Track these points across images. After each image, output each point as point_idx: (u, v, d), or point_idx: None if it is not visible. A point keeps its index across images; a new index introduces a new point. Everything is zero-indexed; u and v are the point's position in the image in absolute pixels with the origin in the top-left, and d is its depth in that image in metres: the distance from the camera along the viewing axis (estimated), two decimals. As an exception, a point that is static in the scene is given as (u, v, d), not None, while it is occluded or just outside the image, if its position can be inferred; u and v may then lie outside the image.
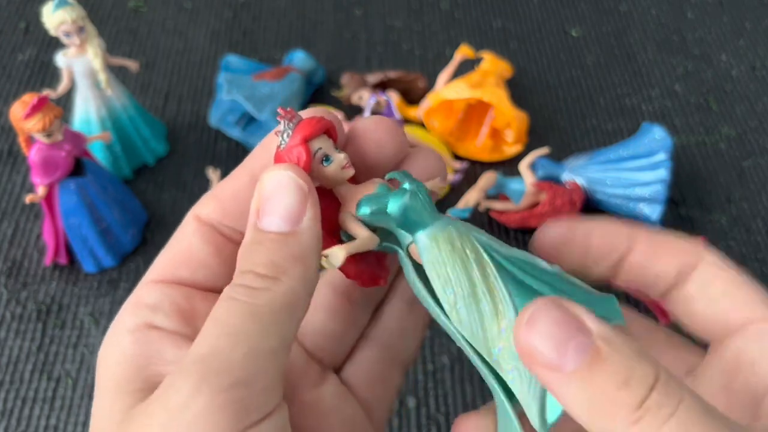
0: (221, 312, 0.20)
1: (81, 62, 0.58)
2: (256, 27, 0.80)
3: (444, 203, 0.62)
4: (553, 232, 0.25)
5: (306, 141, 0.23)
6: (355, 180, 0.24)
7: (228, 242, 0.23)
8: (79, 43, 0.57)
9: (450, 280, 0.22)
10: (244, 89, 0.65)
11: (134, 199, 0.61)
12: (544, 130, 0.70)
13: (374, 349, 0.27)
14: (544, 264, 0.23)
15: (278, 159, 0.23)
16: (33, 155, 0.52)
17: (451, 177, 0.65)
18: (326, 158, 0.23)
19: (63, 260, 0.58)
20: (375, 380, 0.26)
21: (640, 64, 0.77)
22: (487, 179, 0.61)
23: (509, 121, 0.65)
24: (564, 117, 0.71)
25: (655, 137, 0.61)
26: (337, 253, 0.22)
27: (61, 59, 0.58)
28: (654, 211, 0.59)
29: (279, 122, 0.23)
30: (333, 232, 0.24)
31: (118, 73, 0.64)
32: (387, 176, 0.24)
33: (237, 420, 0.18)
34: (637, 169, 0.60)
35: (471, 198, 0.61)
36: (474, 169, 0.66)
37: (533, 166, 0.62)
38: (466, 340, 0.22)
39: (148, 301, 0.22)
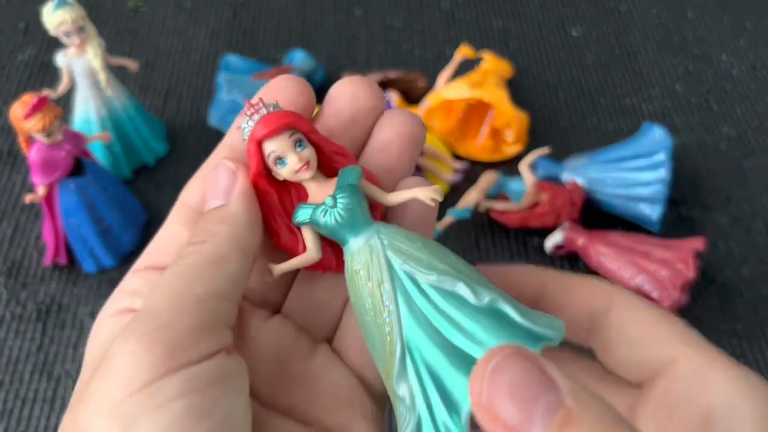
0: (159, 279, 0.22)
1: (81, 62, 0.58)
2: (255, 27, 0.80)
3: (444, 203, 0.62)
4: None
5: (259, 143, 0.23)
6: (335, 140, 0.24)
7: None
8: (78, 42, 0.57)
9: (357, 300, 0.23)
10: (244, 89, 0.65)
11: (134, 199, 0.61)
12: (544, 130, 0.70)
13: None
14: (467, 295, 0.21)
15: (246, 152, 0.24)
16: (33, 155, 0.52)
17: (451, 177, 0.65)
18: (280, 161, 0.23)
19: (63, 260, 0.58)
20: (364, 346, 0.25)
21: (640, 64, 0.77)
22: (487, 179, 0.61)
23: (509, 121, 0.65)
24: (564, 117, 0.71)
25: (656, 137, 0.61)
26: (272, 270, 0.24)
27: (60, 59, 0.58)
28: (654, 211, 0.59)
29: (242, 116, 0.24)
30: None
31: (117, 72, 0.63)
32: (339, 172, 0.24)
33: (163, 358, 0.19)
34: (638, 168, 0.60)
35: (471, 198, 0.61)
36: (474, 169, 0.66)
37: (533, 166, 0.62)
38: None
39: (129, 288, 0.23)
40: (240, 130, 0.24)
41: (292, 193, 0.25)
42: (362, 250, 0.23)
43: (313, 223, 0.24)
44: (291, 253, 0.24)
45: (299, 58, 0.70)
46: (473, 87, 0.64)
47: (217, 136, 0.68)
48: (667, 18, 0.82)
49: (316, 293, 0.26)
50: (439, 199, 0.23)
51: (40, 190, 0.54)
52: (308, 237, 0.24)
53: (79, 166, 0.55)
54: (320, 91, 0.73)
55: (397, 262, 0.22)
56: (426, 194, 0.24)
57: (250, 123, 0.24)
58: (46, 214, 0.56)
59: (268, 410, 0.23)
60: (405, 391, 0.21)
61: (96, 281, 0.58)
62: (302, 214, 0.24)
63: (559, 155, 0.64)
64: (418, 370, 0.21)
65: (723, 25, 0.81)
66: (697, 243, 0.55)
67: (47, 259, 0.58)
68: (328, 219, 0.23)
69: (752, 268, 0.60)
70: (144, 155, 0.65)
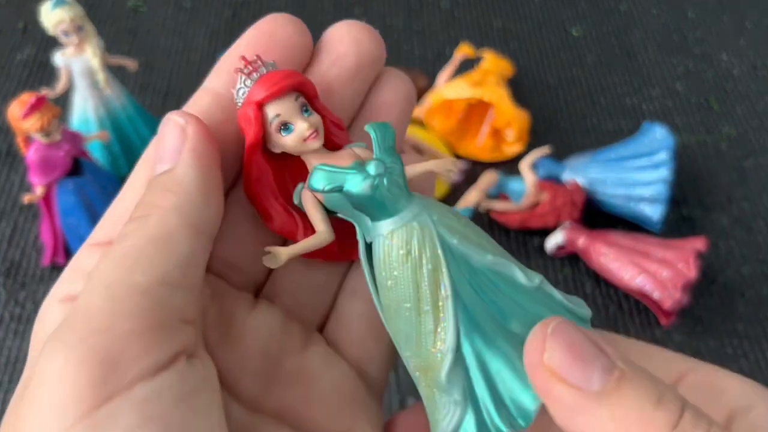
0: (93, 267, 0.18)
1: (79, 61, 0.58)
2: (255, 26, 0.80)
3: (444, 203, 0.62)
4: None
5: (260, 106, 0.20)
6: (332, 96, 0.21)
7: None
8: (77, 42, 0.57)
9: (395, 286, 0.20)
10: (244, 89, 0.65)
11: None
12: (544, 130, 0.70)
13: (358, 302, 0.23)
14: (520, 277, 0.20)
15: (239, 118, 0.20)
16: (31, 155, 0.52)
17: (452, 177, 0.65)
18: (285, 127, 0.20)
19: (61, 260, 0.57)
20: (364, 336, 0.23)
21: (640, 64, 0.77)
22: (487, 179, 0.61)
23: (510, 120, 0.65)
24: (565, 116, 0.71)
25: (657, 136, 0.61)
26: (279, 256, 0.20)
27: (59, 58, 0.58)
28: (656, 211, 0.59)
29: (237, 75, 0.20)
30: (291, 202, 0.22)
31: (116, 72, 0.63)
32: (366, 127, 0.21)
33: (104, 376, 0.15)
34: (639, 168, 0.60)
35: (471, 198, 0.61)
36: (474, 169, 0.65)
37: (534, 166, 0.61)
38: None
39: (84, 267, 0.19)
40: (234, 92, 0.21)
41: (287, 171, 0.22)
42: (410, 229, 0.19)
43: (347, 194, 0.20)
44: (289, 238, 0.21)
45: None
46: (473, 86, 0.64)
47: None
48: (667, 18, 0.82)
49: (308, 273, 0.22)
50: (456, 170, 0.21)
51: (39, 190, 0.53)
52: (316, 215, 0.21)
53: (77, 166, 0.55)
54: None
55: (451, 242, 0.19)
56: (442, 166, 0.21)
57: (248, 83, 0.20)
58: (45, 214, 0.56)
59: (254, 414, 0.20)
60: (457, 386, 0.19)
61: (95, 281, 0.58)
62: (328, 179, 0.20)
63: (559, 155, 0.64)
64: (474, 363, 0.19)
65: (723, 25, 0.81)
66: (698, 243, 0.55)
67: (46, 259, 0.58)
68: (379, 189, 0.19)
69: (753, 268, 0.60)
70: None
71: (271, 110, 0.20)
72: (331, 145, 0.21)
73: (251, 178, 0.21)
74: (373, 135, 0.20)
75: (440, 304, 0.19)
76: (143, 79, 0.73)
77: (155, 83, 0.73)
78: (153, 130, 0.65)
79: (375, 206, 0.20)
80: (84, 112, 0.61)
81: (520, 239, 0.61)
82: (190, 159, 0.19)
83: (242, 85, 0.20)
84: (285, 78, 0.20)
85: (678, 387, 0.21)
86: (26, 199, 0.54)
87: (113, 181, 0.59)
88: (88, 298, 0.17)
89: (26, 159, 0.52)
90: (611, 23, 0.81)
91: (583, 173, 0.61)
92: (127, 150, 0.64)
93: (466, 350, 0.19)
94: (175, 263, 0.18)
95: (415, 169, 0.21)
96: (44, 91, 0.54)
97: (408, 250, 0.19)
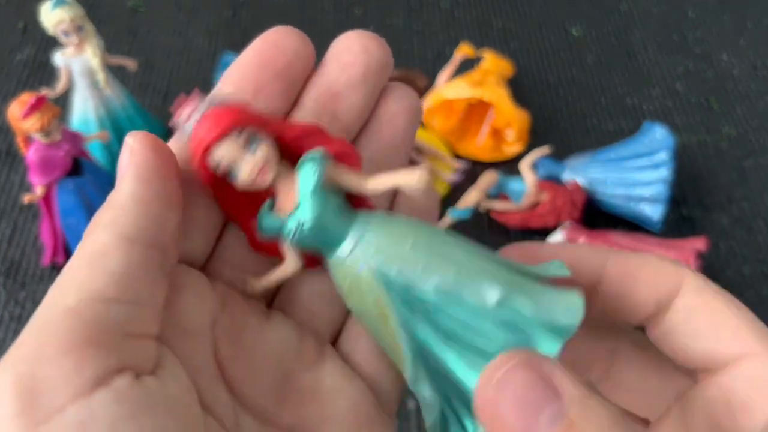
0: None
1: (79, 61, 0.58)
2: (255, 26, 0.80)
3: (444, 203, 0.62)
4: (513, 252, 0.22)
5: (204, 153, 0.19)
6: (340, 103, 0.21)
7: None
8: (77, 42, 0.57)
9: (355, 310, 0.20)
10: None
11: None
12: (544, 130, 0.69)
13: None
14: (470, 298, 0.19)
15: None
16: (31, 155, 0.52)
17: (451, 177, 0.65)
18: (231, 169, 0.19)
19: (61, 260, 0.57)
20: (378, 349, 0.22)
21: (641, 64, 0.77)
22: (487, 179, 0.61)
23: (510, 120, 0.65)
24: (565, 116, 0.71)
25: (657, 136, 0.61)
26: (253, 286, 0.20)
27: (59, 58, 0.58)
28: (656, 211, 0.59)
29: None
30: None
31: (116, 72, 0.63)
32: (296, 171, 0.20)
33: (30, 401, 0.15)
34: (639, 168, 0.60)
35: (471, 198, 0.61)
36: (474, 169, 0.65)
37: (534, 166, 0.61)
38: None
39: None
40: (236, 96, 0.20)
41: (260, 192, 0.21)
42: (344, 268, 0.19)
43: (286, 237, 0.20)
44: (272, 255, 0.21)
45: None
46: (473, 86, 0.64)
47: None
48: (667, 17, 0.82)
49: (322, 283, 0.22)
50: (427, 179, 0.19)
51: (39, 190, 0.53)
52: (284, 246, 0.20)
53: (77, 166, 0.55)
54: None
55: (390, 273, 0.19)
56: (410, 179, 0.19)
57: (188, 125, 0.20)
58: (45, 214, 0.56)
59: (267, 428, 0.20)
60: (425, 391, 0.19)
61: (95, 281, 0.58)
62: (269, 225, 0.20)
63: (559, 155, 0.64)
64: (434, 375, 0.19)
65: (723, 25, 0.81)
66: (698, 243, 0.55)
67: (45, 259, 0.58)
68: (299, 238, 0.19)
69: (753, 268, 0.60)
70: (143, 155, 0.65)
71: (215, 155, 0.19)
72: (300, 156, 0.20)
73: (222, 205, 0.21)
74: (298, 182, 0.20)
75: (391, 329, 0.19)
76: (143, 79, 0.73)
77: (155, 83, 0.73)
78: (153, 130, 0.65)
79: (316, 247, 0.20)
80: (84, 112, 0.61)
81: (520, 239, 0.61)
82: (129, 173, 0.19)
83: (182, 129, 0.20)
84: (222, 117, 0.19)
85: (732, 368, 0.20)
86: (26, 199, 0.54)
87: (113, 181, 0.59)
88: (26, 327, 0.17)
89: (26, 159, 0.52)
90: (611, 23, 0.81)
91: (583, 173, 0.61)
92: (127, 150, 0.64)
93: (425, 365, 0.19)
94: (107, 278, 0.17)
95: (379, 184, 0.20)
96: (44, 91, 0.54)
97: (349, 287, 0.19)
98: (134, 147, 0.19)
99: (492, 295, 0.19)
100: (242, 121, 0.19)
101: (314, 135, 0.20)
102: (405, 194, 0.21)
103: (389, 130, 0.22)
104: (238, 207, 0.21)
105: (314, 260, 0.21)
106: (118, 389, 0.16)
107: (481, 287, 0.19)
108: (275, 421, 0.20)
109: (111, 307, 0.17)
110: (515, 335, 0.19)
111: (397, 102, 0.22)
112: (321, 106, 0.22)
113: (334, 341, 0.23)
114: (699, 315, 0.21)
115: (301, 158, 0.20)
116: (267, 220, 0.20)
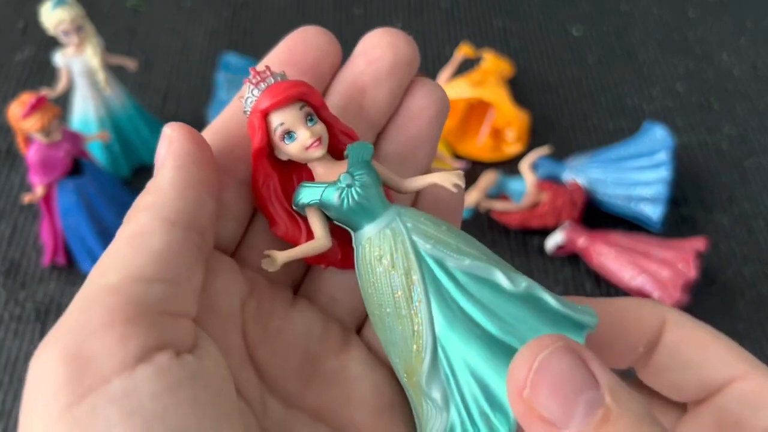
0: None
1: (79, 61, 0.58)
2: (255, 26, 0.80)
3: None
4: None
5: (264, 115, 0.21)
6: (366, 97, 0.22)
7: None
8: (77, 42, 0.57)
9: (375, 292, 0.20)
10: (244, 88, 0.65)
11: (133, 198, 0.60)
12: (544, 130, 0.69)
13: None
14: (501, 281, 0.19)
15: (247, 126, 0.21)
16: (31, 155, 0.52)
17: (456, 190, 0.64)
18: (288, 135, 0.21)
19: (61, 260, 0.57)
20: None
21: (641, 64, 0.77)
22: (487, 179, 0.61)
23: (510, 120, 0.65)
24: (565, 116, 0.71)
25: (657, 136, 0.61)
26: (275, 260, 0.21)
27: (59, 58, 0.58)
28: (655, 212, 0.59)
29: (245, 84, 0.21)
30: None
31: (116, 72, 0.63)
32: (348, 147, 0.21)
33: (77, 371, 0.16)
34: (639, 168, 0.60)
35: (471, 198, 0.60)
36: (474, 168, 0.65)
37: (534, 166, 0.61)
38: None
39: None
40: (241, 101, 0.21)
41: (294, 177, 0.22)
42: (383, 235, 0.20)
43: (323, 205, 0.21)
44: (292, 243, 0.22)
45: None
46: (474, 86, 0.64)
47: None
48: (667, 17, 0.82)
49: (345, 273, 0.23)
50: (462, 184, 0.21)
51: (39, 190, 0.53)
52: (315, 222, 0.21)
53: (77, 166, 0.55)
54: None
55: (425, 246, 0.20)
56: (447, 179, 0.21)
57: (255, 93, 0.21)
58: (45, 214, 0.56)
59: (291, 410, 0.20)
60: (437, 390, 0.19)
61: (95, 281, 0.58)
62: (308, 194, 0.21)
63: (559, 155, 0.64)
64: (452, 367, 0.19)
65: (724, 25, 0.81)
66: (699, 243, 0.55)
67: (46, 259, 0.58)
68: (346, 199, 0.20)
69: (753, 268, 0.60)
70: (143, 155, 0.65)
71: (276, 119, 0.21)
72: (340, 153, 0.22)
73: (257, 183, 0.22)
74: (350, 153, 0.21)
75: (415, 308, 0.19)
76: (143, 79, 0.73)
77: (155, 83, 0.73)
78: (153, 130, 0.65)
79: (352, 215, 0.20)
80: (84, 112, 0.61)
81: (520, 239, 0.61)
82: (168, 160, 0.20)
83: (250, 94, 0.21)
84: (290, 88, 0.20)
85: (723, 393, 0.21)
86: (26, 199, 0.54)
87: (113, 181, 0.59)
88: (70, 305, 0.17)
89: (26, 159, 0.52)
90: (612, 23, 0.81)
91: (583, 173, 0.61)
92: (127, 150, 0.64)
93: (444, 355, 0.19)
94: (147, 258, 0.18)
95: (417, 182, 0.22)
96: (44, 91, 0.54)
97: (380, 255, 0.20)
98: (173, 136, 0.20)
99: (520, 280, 0.19)
100: (307, 98, 0.21)
101: (356, 139, 0.22)
102: (430, 192, 0.22)
103: (415, 124, 0.23)
104: (270, 189, 0.21)
105: (331, 257, 0.22)
106: (159, 365, 0.16)
107: (510, 274, 0.19)
108: (299, 403, 0.21)
109: (152, 285, 0.17)
110: (542, 322, 0.19)
111: (424, 97, 0.23)
112: (347, 99, 0.23)
113: (359, 330, 0.24)
114: (687, 347, 0.22)
115: (351, 144, 0.21)
116: (307, 190, 0.21)
